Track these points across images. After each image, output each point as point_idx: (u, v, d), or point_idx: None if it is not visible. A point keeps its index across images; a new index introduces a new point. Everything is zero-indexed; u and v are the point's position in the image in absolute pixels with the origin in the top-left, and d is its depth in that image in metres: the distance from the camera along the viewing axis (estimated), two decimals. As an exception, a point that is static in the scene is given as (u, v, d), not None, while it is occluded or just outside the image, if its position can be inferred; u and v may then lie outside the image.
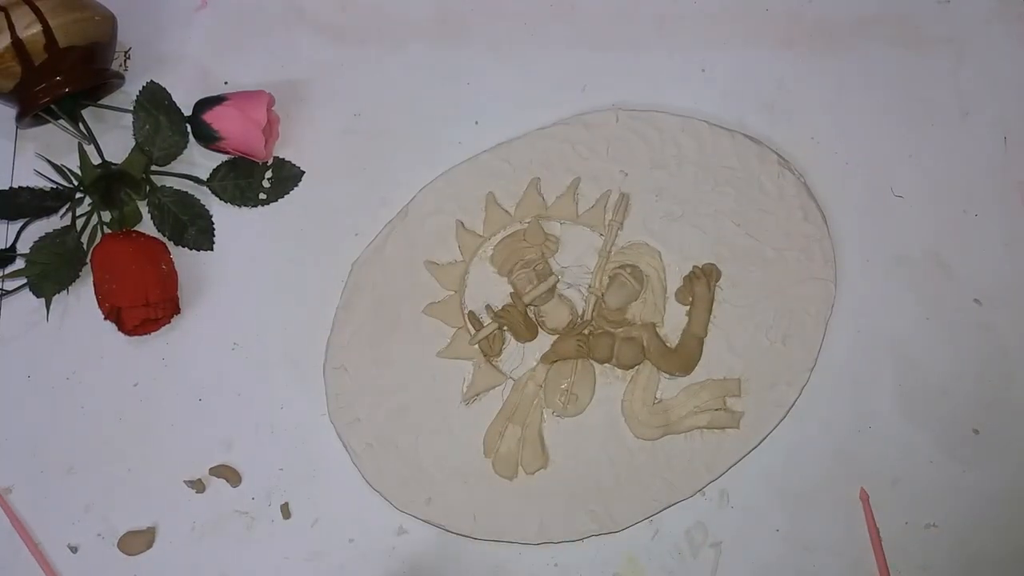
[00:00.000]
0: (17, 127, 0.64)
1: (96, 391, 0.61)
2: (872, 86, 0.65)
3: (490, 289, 0.60)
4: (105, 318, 0.60)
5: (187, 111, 0.63)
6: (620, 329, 0.59)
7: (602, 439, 0.59)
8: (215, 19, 0.68)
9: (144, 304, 0.58)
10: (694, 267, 0.60)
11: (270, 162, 0.64)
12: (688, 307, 0.60)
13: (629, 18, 0.67)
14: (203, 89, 0.64)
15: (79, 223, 0.62)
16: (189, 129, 0.63)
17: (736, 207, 0.61)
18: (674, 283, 0.60)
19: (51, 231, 0.61)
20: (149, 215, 0.63)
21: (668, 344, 0.59)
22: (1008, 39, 0.66)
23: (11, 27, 0.58)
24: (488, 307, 0.59)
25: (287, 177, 0.64)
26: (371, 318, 0.61)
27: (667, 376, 0.59)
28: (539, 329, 0.60)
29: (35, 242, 0.61)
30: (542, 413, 0.59)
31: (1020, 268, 0.62)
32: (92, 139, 0.63)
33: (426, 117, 0.65)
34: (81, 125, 0.63)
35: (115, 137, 0.64)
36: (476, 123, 0.65)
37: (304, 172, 0.64)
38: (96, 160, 0.63)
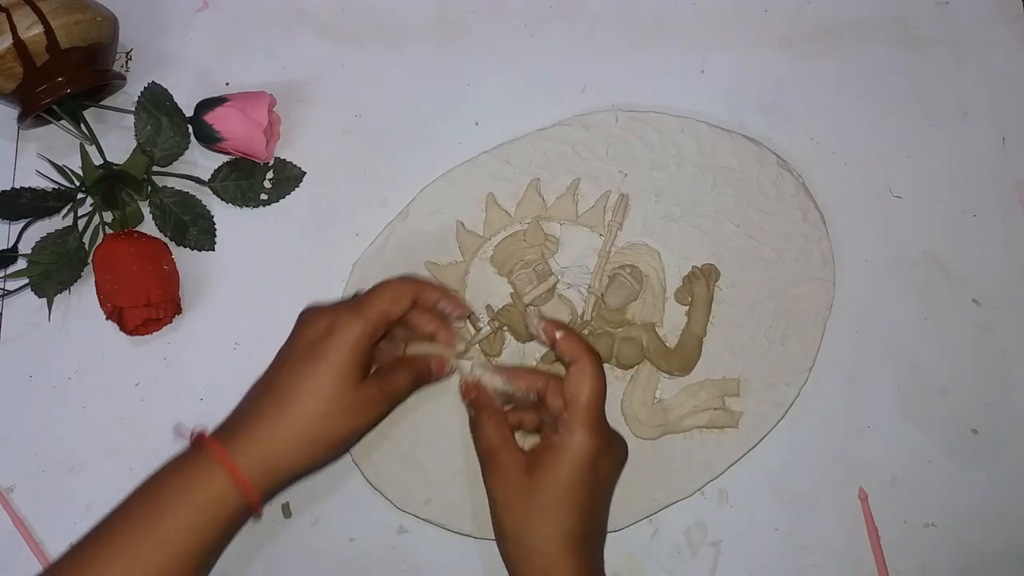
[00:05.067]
0: (19, 128, 0.64)
1: (97, 391, 0.61)
2: (871, 86, 0.65)
3: (490, 289, 0.60)
4: (107, 318, 0.60)
5: (188, 112, 0.63)
6: (619, 329, 0.59)
7: (602, 439, 0.59)
8: (216, 20, 0.68)
9: (146, 304, 0.59)
10: (693, 267, 0.61)
11: (271, 163, 0.64)
12: (687, 307, 0.60)
13: (629, 19, 0.67)
14: (204, 90, 0.64)
15: (81, 223, 0.62)
16: (190, 130, 0.63)
17: (735, 207, 0.62)
18: (673, 283, 0.61)
19: (53, 231, 0.61)
20: (151, 215, 0.63)
21: (667, 344, 0.59)
22: (1007, 40, 0.66)
23: (13, 28, 0.58)
24: (488, 307, 0.60)
25: (288, 178, 0.64)
26: (371, 318, 0.61)
27: (666, 376, 0.59)
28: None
29: (37, 242, 0.61)
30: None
31: (1019, 268, 0.62)
32: (94, 140, 0.63)
33: (426, 117, 0.65)
34: (83, 126, 0.63)
35: (117, 138, 0.65)
36: (476, 124, 0.65)
37: (305, 173, 0.64)
38: (98, 161, 0.63)
